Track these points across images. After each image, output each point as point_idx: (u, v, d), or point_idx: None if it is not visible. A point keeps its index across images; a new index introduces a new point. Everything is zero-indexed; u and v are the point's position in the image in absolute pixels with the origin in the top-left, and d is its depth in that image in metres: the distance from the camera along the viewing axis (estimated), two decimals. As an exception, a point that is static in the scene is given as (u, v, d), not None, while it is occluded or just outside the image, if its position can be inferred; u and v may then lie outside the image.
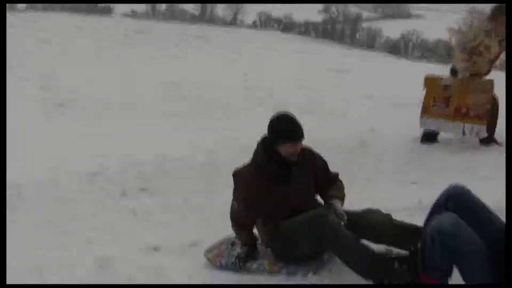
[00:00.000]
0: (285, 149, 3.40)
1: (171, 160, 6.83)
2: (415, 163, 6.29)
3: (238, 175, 3.52)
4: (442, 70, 8.36)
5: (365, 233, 3.29)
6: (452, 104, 6.50)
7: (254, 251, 3.56)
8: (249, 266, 3.45)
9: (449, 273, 2.77)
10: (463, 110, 6.43)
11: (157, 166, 6.63)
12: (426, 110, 6.70)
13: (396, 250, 3.26)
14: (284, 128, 3.41)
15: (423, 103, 6.73)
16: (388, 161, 6.41)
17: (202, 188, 5.74)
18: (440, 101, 6.59)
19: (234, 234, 3.72)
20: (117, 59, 19.09)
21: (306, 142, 3.53)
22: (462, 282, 2.70)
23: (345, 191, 3.66)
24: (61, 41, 22.42)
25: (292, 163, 3.44)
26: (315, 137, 7.07)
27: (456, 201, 2.84)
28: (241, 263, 3.46)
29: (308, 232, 3.22)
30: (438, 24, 66.37)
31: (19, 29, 24.22)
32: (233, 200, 3.56)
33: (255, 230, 3.63)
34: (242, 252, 3.52)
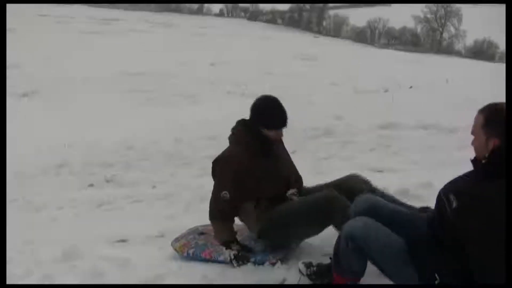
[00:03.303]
0: (268, 133, 3.32)
1: (137, 149, 6.77)
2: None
3: (221, 160, 3.33)
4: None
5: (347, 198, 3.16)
6: None
7: (246, 247, 3.35)
8: (217, 256, 3.40)
9: (361, 274, 2.78)
10: None
11: (124, 155, 6.57)
12: None
13: None
14: (269, 115, 3.31)
15: None
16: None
17: (169, 177, 5.69)
18: None
19: (201, 224, 3.66)
20: (80, 49, 18.84)
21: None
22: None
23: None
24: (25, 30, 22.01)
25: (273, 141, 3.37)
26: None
27: (368, 214, 2.71)
28: (245, 261, 3.25)
29: (315, 215, 3.13)
30: (403, 12, 67.13)
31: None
32: (217, 187, 3.32)
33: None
34: (237, 251, 3.29)
